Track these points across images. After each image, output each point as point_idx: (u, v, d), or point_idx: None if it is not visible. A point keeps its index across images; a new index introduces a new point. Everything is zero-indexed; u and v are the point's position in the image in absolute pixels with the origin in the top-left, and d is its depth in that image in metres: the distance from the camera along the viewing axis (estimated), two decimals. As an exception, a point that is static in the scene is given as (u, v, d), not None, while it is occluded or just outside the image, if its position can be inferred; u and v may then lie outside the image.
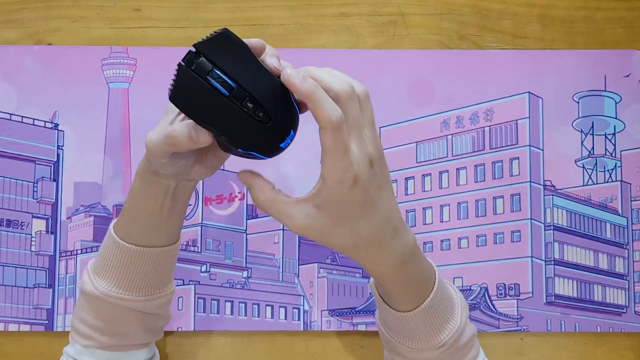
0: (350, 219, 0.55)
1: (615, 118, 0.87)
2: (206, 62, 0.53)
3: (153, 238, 0.66)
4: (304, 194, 0.56)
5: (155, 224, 0.65)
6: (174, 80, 0.54)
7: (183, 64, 0.54)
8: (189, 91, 0.54)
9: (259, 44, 0.58)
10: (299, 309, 0.85)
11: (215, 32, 0.54)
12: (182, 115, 0.60)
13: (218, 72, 0.53)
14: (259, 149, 0.55)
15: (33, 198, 0.85)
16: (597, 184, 0.87)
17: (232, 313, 0.85)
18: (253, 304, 0.85)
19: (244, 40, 0.56)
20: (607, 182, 0.87)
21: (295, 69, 0.53)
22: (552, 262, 0.86)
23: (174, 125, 0.58)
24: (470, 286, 0.85)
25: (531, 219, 0.86)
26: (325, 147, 0.52)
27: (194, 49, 0.53)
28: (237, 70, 0.54)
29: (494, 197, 0.86)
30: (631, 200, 0.87)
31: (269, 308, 0.85)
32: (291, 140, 0.56)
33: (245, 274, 0.85)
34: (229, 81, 0.53)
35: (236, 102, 0.53)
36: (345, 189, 0.53)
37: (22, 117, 0.85)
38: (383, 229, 0.56)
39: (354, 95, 0.54)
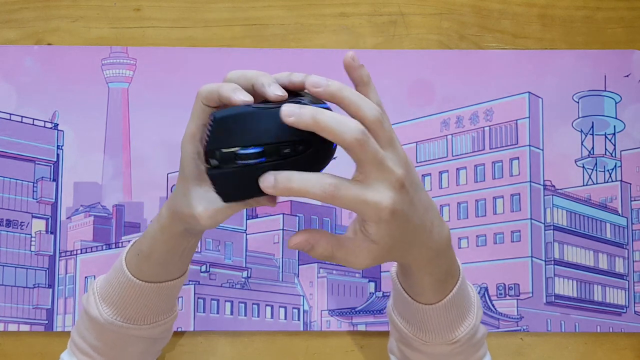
0: (394, 239, 0.54)
1: (615, 118, 0.87)
2: (227, 153, 0.52)
3: (166, 275, 0.66)
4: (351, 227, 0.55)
5: (172, 265, 0.65)
6: (215, 188, 0.54)
7: (213, 173, 0.54)
8: (235, 185, 0.53)
9: (249, 98, 0.54)
10: (298, 309, 0.85)
11: (210, 124, 0.53)
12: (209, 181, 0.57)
13: (242, 152, 0.52)
14: (318, 169, 0.54)
15: (33, 198, 0.85)
16: (597, 184, 0.87)
17: (232, 313, 0.85)
18: (253, 304, 0.85)
19: (233, 98, 0.53)
20: (607, 182, 0.87)
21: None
22: (552, 262, 0.86)
23: (212, 195, 0.57)
24: (470, 286, 0.85)
25: (531, 219, 0.86)
26: (358, 164, 0.52)
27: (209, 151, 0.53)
28: (252, 134, 0.52)
29: (494, 197, 0.86)
30: (631, 200, 0.87)
31: (268, 308, 0.85)
32: (335, 145, 0.54)
33: (245, 274, 0.85)
34: (255, 150, 0.52)
35: (275, 159, 0.52)
36: (383, 224, 0.52)
37: (22, 117, 0.85)
38: (423, 227, 0.56)
39: (364, 136, 0.51)
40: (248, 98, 0.54)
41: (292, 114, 0.50)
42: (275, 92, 0.54)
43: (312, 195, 0.51)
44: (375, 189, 0.52)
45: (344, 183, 0.51)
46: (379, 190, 0.52)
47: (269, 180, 0.51)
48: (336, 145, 0.54)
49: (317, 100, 0.56)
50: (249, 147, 0.52)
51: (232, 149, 0.52)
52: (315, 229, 0.54)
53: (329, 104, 0.55)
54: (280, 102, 0.53)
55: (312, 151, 0.53)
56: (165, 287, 0.67)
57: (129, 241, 0.84)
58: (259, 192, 0.52)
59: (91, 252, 0.84)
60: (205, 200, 0.57)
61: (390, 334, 0.71)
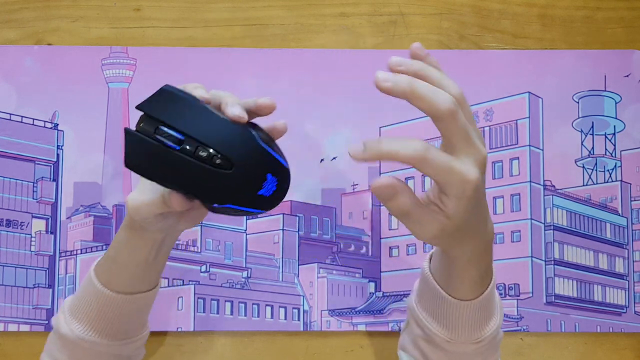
0: (463, 220, 0.53)
1: (615, 118, 0.87)
2: (151, 121, 0.51)
3: (135, 285, 0.65)
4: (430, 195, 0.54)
5: (138, 273, 0.65)
6: (124, 146, 0.52)
7: (129, 128, 0.52)
8: (140, 154, 0.51)
9: (208, 97, 0.55)
10: (298, 309, 0.85)
11: (158, 90, 0.52)
12: None
13: (164, 128, 0.51)
14: (234, 200, 0.52)
15: (33, 198, 0.85)
16: (597, 184, 0.87)
17: (232, 313, 0.85)
18: (253, 304, 0.85)
19: (192, 92, 0.54)
20: (607, 182, 0.87)
21: (354, 145, 0.49)
22: (552, 262, 0.86)
23: (150, 189, 0.57)
24: (470, 286, 0.85)
25: (531, 219, 0.86)
26: (429, 176, 0.51)
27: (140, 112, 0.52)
28: (185, 122, 0.51)
29: (494, 197, 0.86)
30: (631, 200, 0.87)
31: (268, 308, 0.85)
32: (275, 186, 0.53)
33: (245, 274, 0.85)
34: (177, 134, 0.51)
35: (188, 153, 0.51)
36: (464, 199, 0.51)
37: (22, 117, 0.85)
38: (484, 217, 0.56)
39: (456, 107, 0.51)
40: (240, 113, 0.54)
41: (388, 79, 0.49)
42: (235, 112, 0.53)
43: (403, 156, 0.49)
44: (463, 161, 0.51)
45: (434, 149, 0.50)
46: (466, 163, 0.51)
47: (358, 146, 0.49)
48: (269, 194, 0.53)
49: (269, 139, 0.55)
50: (172, 129, 0.51)
51: (157, 121, 0.51)
52: (400, 180, 0.52)
53: (275, 155, 0.54)
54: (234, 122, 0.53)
55: (228, 173, 0.51)
56: (135, 299, 0.66)
57: (129, 241, 0.85)
58: (158, 177, 0.52)
59: (91, 252, 0.84)
60: (141, 192, 0.57)
61: (403, 331, 0.70)
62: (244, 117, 0.53)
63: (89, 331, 0.66)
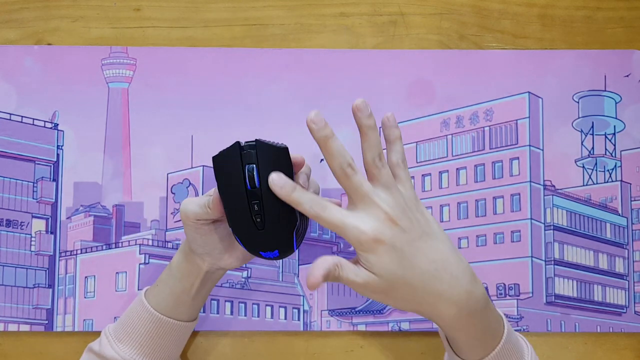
0: (396, 276, 0.58)
1: (615, 118, 0.87)
2: (254, 156, 0.61)
3: (178, 312, 0.72)
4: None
5: (183, 300, 0.71)
6: (225, 148, 0.62)
7: (240, 142, 0.62)
8: (227, 164, 0.62)
9: (299, 160, 0.64)
10: (298, 309, 0.85)
11: (279, 144, 0.62)
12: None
13: (255, 169, 0.61)
14: (244, 242, 0.63)
15: (33, 198, 0.85)
16: (597, 184, 0.87)
17: (231, 313, 0.85)
18: (253, 304, 0.85)
19: (294, 156, 0.63)
20: (607, 182, 0.87)
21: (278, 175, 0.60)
22: (552, 262, 0.86)
23: (201, 201, 0.66)
24: (470, 286, 0.85)
25: (531, 219, 0.86)
26: (347, 193, 0.60)
27: (253, 142, 0.62)
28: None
29: (494, 197, 0.86)
30: (631, 200, 0.87)
31: (268, 308, 0.85)
32: (274, 257, 0.64)
33: (245, 274, 0.85)
34: (257, 182, 0.61)
35: (249, 198, 0.61)
36: (370, 250, 0.57)
37: (22, 117, 0.85)
38: (436, 278, 0.59)
39: (349, 170, 0.59)
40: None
41: (318, 122, 0.59)
42: (301, 181, 0.64)
43: (302, 208, 0.59)
44: (358, 216, 0.58)
45: (332, 207, 0.59)
46: (361, 218, 0.58)
47: (280, 178, 0.59)
48: (266, 257, 0.64)
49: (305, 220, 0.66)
50: (259, 176, 0.61)
51: (257, 160, 0.61)
52: (324, 258, 0.59)
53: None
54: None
55: (256, 231, 0.62)
56: (177, 326, 0.72)
57: (128, 241, 0.85)
58: (220, 184, 0.62)
59: (91, 252, 0.84)
60: (193, 200, 0.67)
61: None
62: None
63: (135, 353, 0.71)
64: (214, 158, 0.63)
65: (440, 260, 0.60)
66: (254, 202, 0.61)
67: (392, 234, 0.57)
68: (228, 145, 0.62)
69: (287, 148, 0.63)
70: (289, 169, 0.62)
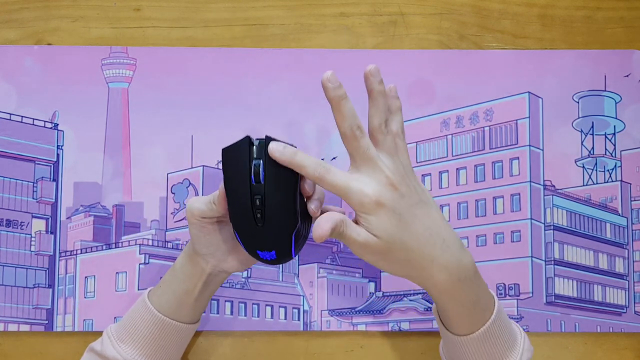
0: (393, 238, 0.59)
1: (615, 118, 0.87)
2: (262, 152, 0.61)
3: (180, 313, 0.72)
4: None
5: (185, 302, 0.71)
6: (235, 142, 0.63)
7: (251, 137, 0.62)
8: (235, 156, 0.62)
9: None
10: (298, 309, 0.85)
11: (288, 144, 0.62)
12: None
13: (261, 165, 0.61)
14: (243, 239, 0.64)
15: (33, 198, 0.85)
16: (597, 184, 0.87)
17: (231, 313, 0.85)
18: (253, 304, 0.85)
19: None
20: (607, 182, 0.87)
21: (277, 144, 0.61)
22: (552, 262, 0.86)
23: (206, 199, 0.67)
24: (470, 286, 0.85)
25: (531, 219, 0.86)
26: (332, 192, 0.60)
27: (264, 138, 0.62)
28: (275, 176, 0.61)
29: (494, 197, 0.86)
30: (631, 200, 0.87)
31: (268, 308, 0.85)
32: (270, 259, 0.64)
33: (245, 274, 0.85)
34: (262, 177, 0.61)
35: (252, 191, 0.61)
36: (370, 212, 0.59)
37: (22, 117, 0.85)
38: (429, 243, 0.61)
39: (357, 133, 0.60)
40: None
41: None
42: (307, 187, 0.64)
43: (306, 172, 0.60)
44: (361, 179, 0.59)
45: (335, 169, 0.60)
46: (364, 181, 0.59)
47: (278, 145, 0.60)
48: (264, 258, 0.64)
49: (306, 230, 0.67)
50: (264, 172, 0.61)
51: (265, 157, 0.61)
52: (332, 213, 0.60)
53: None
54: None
55: (255, 227, 0.63)
56: (179, 328, 0.72)
57: (128, 241, 0.85)
58: (225, 175, 0.63)
59: (91, 252, 0.84)
60: (199, 199, 0.67)
61: None
62: (316, 214, 0.63)
63: (137, 354, 0.71)
64: (223, 150, 0.63)
65: (433, 226, 0.62)
66: (257, 196, 0.61)
67: (393, 198, 0.59)
68: (238, 139, 0.63)
69: (296, 148, 0.63)
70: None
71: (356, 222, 0.60)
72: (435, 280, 0.62)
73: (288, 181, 0.62)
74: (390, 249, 0.60)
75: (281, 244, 0.63)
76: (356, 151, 0.60)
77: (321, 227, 0.58)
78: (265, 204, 0.61)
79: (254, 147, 0.62)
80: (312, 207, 0.64)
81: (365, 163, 0.60)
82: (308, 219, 0.66)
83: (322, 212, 0.67)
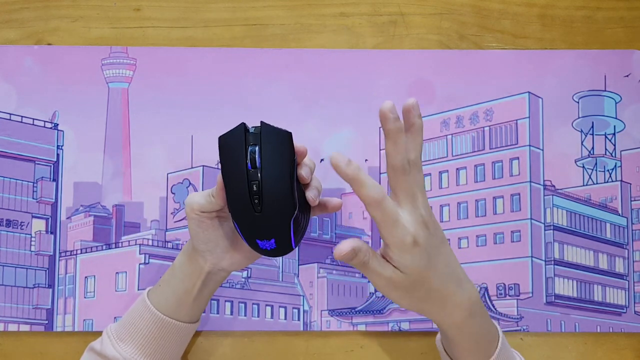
0: (420, 276, 0.60)
1: (615, 118, 0.87)
2: (258, 138, 0.62)
3: (180, 312, 0.72)
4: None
5: (184, 301, 0.71)
6: (231, 129, 0.63)
7: (246, 124, 0.63)
8: (231, 142, 0.63)
9: (302, 149, 0.64)
10: (298, 309, 0.85)
11: (283, 130, 0.63)
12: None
13: (257, 151, 0.61)
14: (242, 229, 0.64)
15: (33, 198, 0.85)
16: (597, 184, 0.87)
17: (231, 313, 0.85)
18: (253, 304, 0.85)
19: (297, 145, 0.63)
20: (607, 182, 0.87)
21: (341, 155, 0.58)
22: (552, 262, 0.86)
23: (204, 193, 0.67)
24: (470, 286, 0.85)
25: (531, 219, 0.86)
26: (376, 221, 0.58)
27: (259, 124, 0.63)
28: (272, 162, 0.62)
29: (494, 197, 0.86)
30: (631, 200, 0.87)
31: (268, 308, 0.85)
32: (270, 248, 0.63)
33: (245, 274, 0.85)
34: (258, 162, 0.61)
35: (249, 177, 0.61)
36: (408, 251, 0.58)
37: (22, 117, 0.85)
38: (448, 281, 0.62)
39: (407, 167, 0.59)
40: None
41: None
42: (304, 173, 0.64)
43: (365, 193, 0.57)
44: (403, 216, 0.59)
45: (389, 198, 0.58)
46: (406, 218, 0.59)
47: (343, 159, 0.57)
48: (263, 247, 0.64)
49: (305, 221, 0.67)
50: (261, 158, 0.62)
51: (261, 143, 0.62)
52: (359, 239, 0.59)
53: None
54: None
55: (253, 214, 0.62)
56: (178, 327, 0.72)
57: (128, 241, 0.85)
58: (223, 163, 0.63)
59: (91, 252, 0.84)
60: (198, 193, 0.67)
61: None
62: (306, 181, 0.64)
63: (136, 353, 0.71)
64: (219, 138, 0.63)
65: (451, 264, 0.63)
66: (254, 182, 0.61)
67: (425, 237, 0.59)
68: (234, 126, 0.63)
69: (290, 133, 0.63)
70: (292, 154, 0.63)
71: (382, 255, 0.60)
72: (450, 316, 0.63)
73: (284, 166, 0.62)
74: (414, 285, 0.60)
75: (280, 231, 0.63)
76: (401, 186, 0.59)
77: (345, 246, 0.58)
78: (263, 190, 0.61)
79: (250, 133, 0.62)
80: (310, 195, 0.64)
81: (408, 200, 0.59)
82: (307, 210, 0.66)
83: (320, 203, 0.67)
